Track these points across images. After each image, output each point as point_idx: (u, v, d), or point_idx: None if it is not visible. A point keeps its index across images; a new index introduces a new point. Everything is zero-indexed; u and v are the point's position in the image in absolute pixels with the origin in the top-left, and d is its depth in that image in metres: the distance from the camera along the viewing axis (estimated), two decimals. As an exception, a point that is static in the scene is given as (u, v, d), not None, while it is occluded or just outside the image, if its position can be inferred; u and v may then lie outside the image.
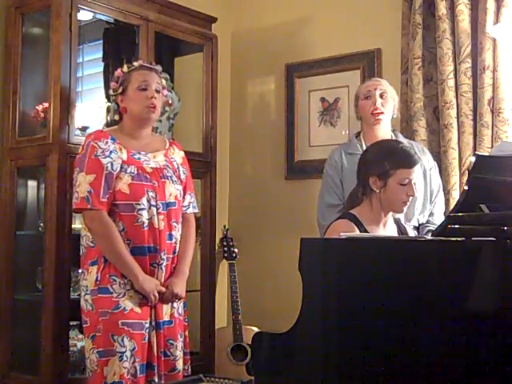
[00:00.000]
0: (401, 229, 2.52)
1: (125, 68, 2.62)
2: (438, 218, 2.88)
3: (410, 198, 2.36)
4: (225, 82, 4.07)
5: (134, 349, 2.40)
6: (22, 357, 2.92)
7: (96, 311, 2.42)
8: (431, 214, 2.91)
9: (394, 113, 3.01)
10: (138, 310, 2.45)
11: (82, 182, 2.44)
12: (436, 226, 2.71)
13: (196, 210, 2.80)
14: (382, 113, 2.91)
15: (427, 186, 2.90)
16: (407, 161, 2.35)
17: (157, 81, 2.62)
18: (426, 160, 2.92)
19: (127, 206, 2.47)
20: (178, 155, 2.72)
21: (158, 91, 2.60)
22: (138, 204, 2.47)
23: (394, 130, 3.05)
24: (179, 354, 2.57)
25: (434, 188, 2.92)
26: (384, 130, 2.96)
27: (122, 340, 2.38)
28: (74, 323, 2.84)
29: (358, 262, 1.76)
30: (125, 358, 2.37)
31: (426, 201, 2.90)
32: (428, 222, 2.89)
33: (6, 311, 2.93)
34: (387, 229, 2.43)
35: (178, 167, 2.68)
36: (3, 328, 2.91)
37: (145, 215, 2.47)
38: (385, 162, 2.35)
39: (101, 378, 2.37)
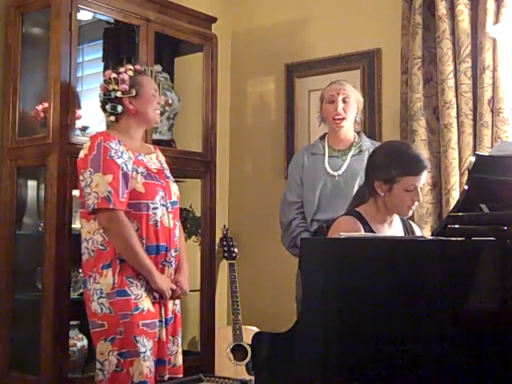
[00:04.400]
0: (407, 227, 2.52)
1: (130, 73, 2.63)
2: None
3: (416, 202, 2.36)
4: (225, 82, 4.07)
5: (151, 348, 2.44)
6: (22, 357, 2.91)
7: (115, 314, 2.41)
8: None
9: (358, 116, 3.09)
10: (152, 309, 2.49)
11: (101, 182, 2.42)
12: None
13: None
14: (344, 118, 3.01)
15: None
16: (414, 168, 2.32)
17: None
18: None
19: (143, 206, 2.49)
20: (163, 159, 2.76)
21: (159, 103, 2.71)
22: (153, 203, 2.51)
23: (359, 132, 3.13)
24: (177, 349, 2.62)
25: None
26: (347, 133, 3.08)
27: (143, 340, 2.41)
28: (74, 323, 2.84)
29: (358, 262, 1.76)
30: (146, 358, 2.41)
31: None
32: None
33: (6, 311, 2.92)
34: (393, 227, 2.43)
35: (167, 170, 2.73)
36: (3, 328, 2.91)
37: (158, 214, 2.52)
38: (391, 168, 2.32)
39: (126, 379, 2.38)
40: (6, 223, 2.98)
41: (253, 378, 2.00)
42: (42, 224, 2.90)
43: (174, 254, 2.59)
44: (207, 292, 3.36)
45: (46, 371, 2.72)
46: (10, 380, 2.90)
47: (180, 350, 2.64)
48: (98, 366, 2.44)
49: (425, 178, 2.37)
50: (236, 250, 3.85)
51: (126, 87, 2.60)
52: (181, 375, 2.61)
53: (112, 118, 2.63)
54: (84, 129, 3.04)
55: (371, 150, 2.93)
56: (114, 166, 2.44)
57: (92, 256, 2.49)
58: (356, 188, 2.92)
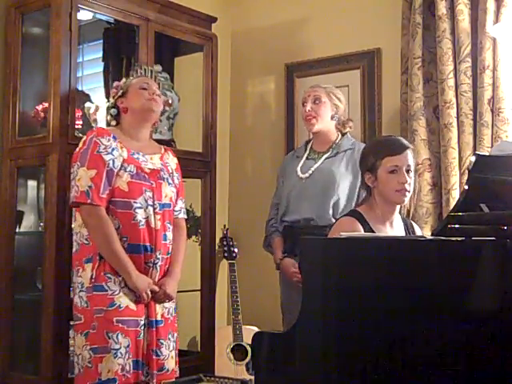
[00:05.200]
0: (408, 227, 2.52)
1: (123, 80, 2.74)
2: None
3: (407, 185, 2.35)
4: (225, 81, 4.07)
5: (128, 345, 2.41)
6: (22, 357, 2.92)
7: (91, 308, 2.43)
8: None
9: (335, 117, 3.06)
10: (133, 306, 2.47)
11: (83, 177, 2.45)
12: None
13: (186, 217, 2.84)
14: (314, 117, 3.00)
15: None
16: (391, 148, 2.38)
17: (155, 86, 2.73)
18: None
19: (124, 204, 2.49)
20: (172, 161, 2.77)
21: (158, 95, 2.70)
22: (136, 202, 2.50)
23: (344, 134, 3.09)
24: (169, 353, 2.57)
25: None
26: (326, 134, 3.05)
27: (117, 337, 2.40)
28: (74, 323, 2.84)
29: (358, 262, 1.76)
30: (119, 355, 2.39)
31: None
32: None
33: (6, 311, 2.92)
34: (394, 227, 2.43)
35: (172, 172, 2.73)
36: (3, 328, 2.91)
37: (141, 214, 2.51)
38: (371, 156, 2.41)
39: (94, 375, 2.38)
40: (6, 223, 2.98)
41: (253, 377, 2.00)
42: (42, 224, 2.90)
43: (160, 257, 2.56)
44: (207, 292, 3.36)
45: (46, 371, 2.72)
46: (9, 380, 2.89)
47: (172, 354, 2.59)
48: (76, 359, 2.45)
49: (409, 160, 2.38)
50: (236, 249, 3.85)
51: (116, 90, 2.70)
52: (172, 379, 2.57)
53: (113, 122, 2.71)
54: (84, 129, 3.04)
55: (350, 152, 2.95)
56: (99, 162, 2.47)
57: (77, 249, 2.53)
58: (320, 189, 2.92)
